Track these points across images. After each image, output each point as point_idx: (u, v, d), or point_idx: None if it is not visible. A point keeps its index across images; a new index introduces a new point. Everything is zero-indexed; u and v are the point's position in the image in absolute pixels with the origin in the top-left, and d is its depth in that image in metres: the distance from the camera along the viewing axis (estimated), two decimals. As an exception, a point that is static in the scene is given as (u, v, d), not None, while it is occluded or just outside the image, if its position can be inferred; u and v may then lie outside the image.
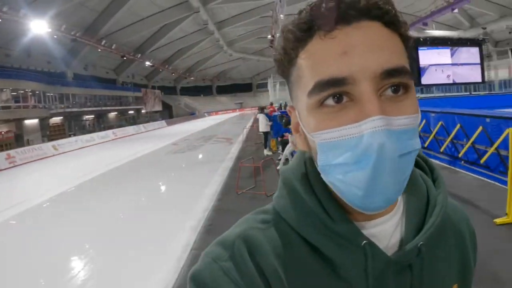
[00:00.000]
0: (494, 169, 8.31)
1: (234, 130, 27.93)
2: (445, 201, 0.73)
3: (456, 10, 27.99)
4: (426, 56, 22.66)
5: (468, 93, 31.68)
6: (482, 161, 8.41)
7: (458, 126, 9.45)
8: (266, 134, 15.42)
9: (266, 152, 14.91)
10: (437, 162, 9.77)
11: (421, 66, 22.33)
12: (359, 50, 0.57)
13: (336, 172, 0.60)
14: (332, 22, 0.58)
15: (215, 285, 0.62)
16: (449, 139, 9.83)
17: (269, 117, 16.27)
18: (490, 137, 8.38)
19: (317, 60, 0.59)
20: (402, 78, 0.58)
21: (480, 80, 32.56)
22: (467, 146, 8.94)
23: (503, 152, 7.68)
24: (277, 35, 43.14)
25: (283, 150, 12.17)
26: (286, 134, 12.12)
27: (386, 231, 0.67)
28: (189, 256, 5.46)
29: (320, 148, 0.61)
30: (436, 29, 35.44)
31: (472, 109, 11.19)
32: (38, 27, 26.91)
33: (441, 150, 10.25)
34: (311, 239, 0.65)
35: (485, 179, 8.03)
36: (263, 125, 15.36)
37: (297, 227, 0.67)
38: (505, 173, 6.64)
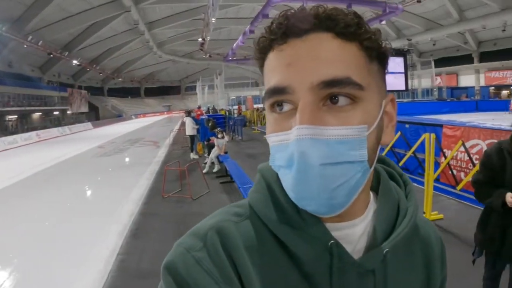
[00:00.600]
0: (413, 171, 9.13)
1: (161, 133, 27.62)
2: (415, 213, 0.77)
3: (383, 22, 29.24)
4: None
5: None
6: (400, 163, 9.15)
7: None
8: (192, 137, 15.60)
9: (192, 155, 15.07)
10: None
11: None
12: (302, 62, 0.60)
13: (279, 173, 0.67)
14: (284, 35, 0.63)
15: (188, 274, 0.63)
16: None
17: (196, 120, 16.41)
18: (408, 142, 9.21)
19: (269, 70, 0.65)
20: (343, 89, 0.60)
21: (404, 88, 34.51)
22: (386, 150, 9.50)
23: (420, 155, 8.38)
24: (208, 38, 43.30)
25: (209, 153, 12.42)
26: (212, 138, 12.34)
27: (354, 234, 0.70)
28: (115, 261, 5.44)
29: (271, 149, 0.67)
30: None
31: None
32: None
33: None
34: (280, 235, 0.68)
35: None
36: (190, 129, 15.48)
37: (268, 222, 0.69)
38: (422, 175, 7.12)
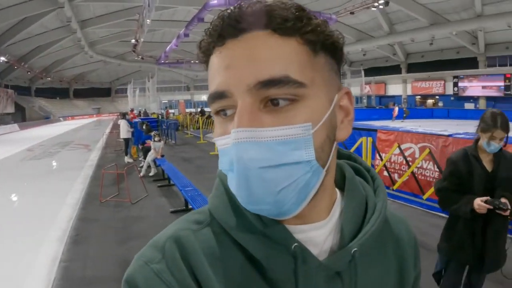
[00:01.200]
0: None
1: (92, 136, 26.81)
2: (384, 209, 0.74)
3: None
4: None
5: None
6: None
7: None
8: (127, 140, 15.24)
9: (127, 159, 14.73)
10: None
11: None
12: (239, 63, 0.59)
13: (228, 177, 0.65)
14: (222, 36, 0.61)
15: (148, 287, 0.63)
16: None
17: (130, 123, 16.09)
18: (345, 145, 9.40)
19: (210, 74, 0.64)
20: (282, 89, 0.58)
21: (334, 95, 35.58)
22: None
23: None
24: (141, 40, 42.61)
25: (144, 157, 12.23)
26: (148, 141, 12.16)
27: (320, 236, 0.68)
28: (59, 269, 5.20)
29: (219, 153, 0.66)
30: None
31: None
32: None
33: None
34: (241, 241, 0.66)
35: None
36: (124, 131, 15.15)
37: (228, 228, 0.67)
38: None
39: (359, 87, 46.76)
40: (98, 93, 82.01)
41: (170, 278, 0.62)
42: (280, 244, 0.64)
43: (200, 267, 0.64)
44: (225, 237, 0.67)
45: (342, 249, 0.67)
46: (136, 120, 19.28)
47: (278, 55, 0.58)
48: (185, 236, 0.67)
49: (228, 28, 0.60)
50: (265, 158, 0.57)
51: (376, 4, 29.67)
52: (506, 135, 2.87)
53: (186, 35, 34.80)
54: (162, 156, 11.50)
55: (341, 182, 0.76)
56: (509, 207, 2.75)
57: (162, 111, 37.92)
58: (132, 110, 27.39)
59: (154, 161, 11.49)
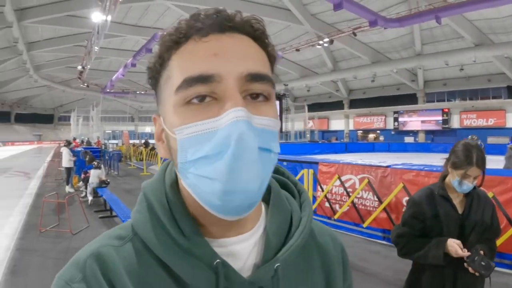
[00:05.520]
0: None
1: (33, 163, 25.93)
2: (308, 223, 0.75)
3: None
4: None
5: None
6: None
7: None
8: (69, 169, 14.88)
9: (68, 189, 14.36)
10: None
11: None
12: (229, 54, 0.61)
13: (196, 169, 0.60)
14: (209, 28, 0.63)
15: None
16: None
17: (73, 152, 15.87)
18: None
19: (188, 59, 0.62)
20: (266, 85, 0.63)
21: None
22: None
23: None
24: (88, 67, 41.77)
25: (86, 187, 12.15)
26: (89, 171, 12.09)
27: (243, 250, 0.69)
28: None
29: (181, 145, 0.61)
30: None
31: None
32: None
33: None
34: (163, 257, 0.65)
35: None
36: (66, 160, 14.81)
37: (150, 243, 0.66)
38: None
39: (302, 122, 47.95)
40: (41, 119, 79.40)
41: None
42: (201, 260, 0.65)
43: (122, 284, 0.64)
44: (147, 253, 0.67)
45: (265, 264, 0.68)
46: (79, 149, 19.03)
47: (260, 58, 0.66)
48: (106, 253, 0.67)
49: (221, 23, 0.63)
50: (259, 140, 0.59)
51: (321, 42, 30.89)
52: (481, 173, 2.40)
53: (133, 65, 34.82)
54: (106, 182, 11.59)
55: (266, 196, 0.76)
56: (493, 265, 2.27)
57: (106, 141, 37.20)
58: (74, 139, 26.82)
59: (95, 190, 11.45)
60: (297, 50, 34.27)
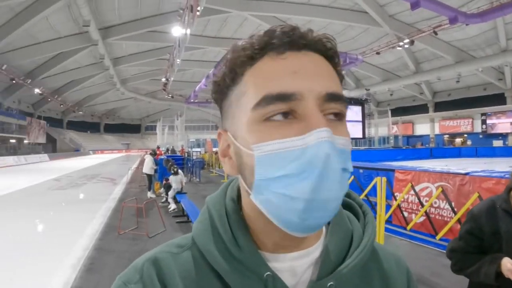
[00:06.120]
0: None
1: (119, 171, 27.14)
2: (369, 244, 0.74)
3: (343, 72, 30.48)
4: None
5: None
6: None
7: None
8: (150, 176, 15.45)
9: (149, 194, 14.86)
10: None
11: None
12: (308, 72, 0.61)
13: (275, 186, 0.59)
14: (286, 45, 0.63)
15: None
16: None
17: (155, 160, 16.36)
18: (361, 186, 9.69)
19: (267, 76, 0.62)
20: (341, 105, 0.64)
21: (361, 136, 35.48)
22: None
23: (372, 199, 8.67)
24: (171, 79, 43.35)
25: (167, 193, 12.42)
26: (170, 177, 12.38)
27: (301, 266, 0.69)
28: None
29: (259, 161, 0.60)
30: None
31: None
32: None
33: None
34: (216, 265, 0.67)
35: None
36: (148, 167, 15.38)
37: (205, 252, 0.69)
38: (375, 217, 7.52)
39: (386, 127, 46.60)
40: (128, 129, 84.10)
41: None
42: (253, 272, 0.65)
43: None
44: (203, 261, 0.69)
45: (318, 281, 0.67)
46: (162, 157, 19.57)
47: (334, 77, 0.65)
48: (164, 258, 0.71)
49: (298, 40, 0.63)
50: (342, 160, 0.59)
51: (401, 43, 29.96)
52: None
53: (215, 75, 35.54)
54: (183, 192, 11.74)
55: None
56: None
57: (189, 149, 38.19)
58: (158, 148, 27.72)
59: (175, 197, 11.66)
60: (378, 53, 33.53)
